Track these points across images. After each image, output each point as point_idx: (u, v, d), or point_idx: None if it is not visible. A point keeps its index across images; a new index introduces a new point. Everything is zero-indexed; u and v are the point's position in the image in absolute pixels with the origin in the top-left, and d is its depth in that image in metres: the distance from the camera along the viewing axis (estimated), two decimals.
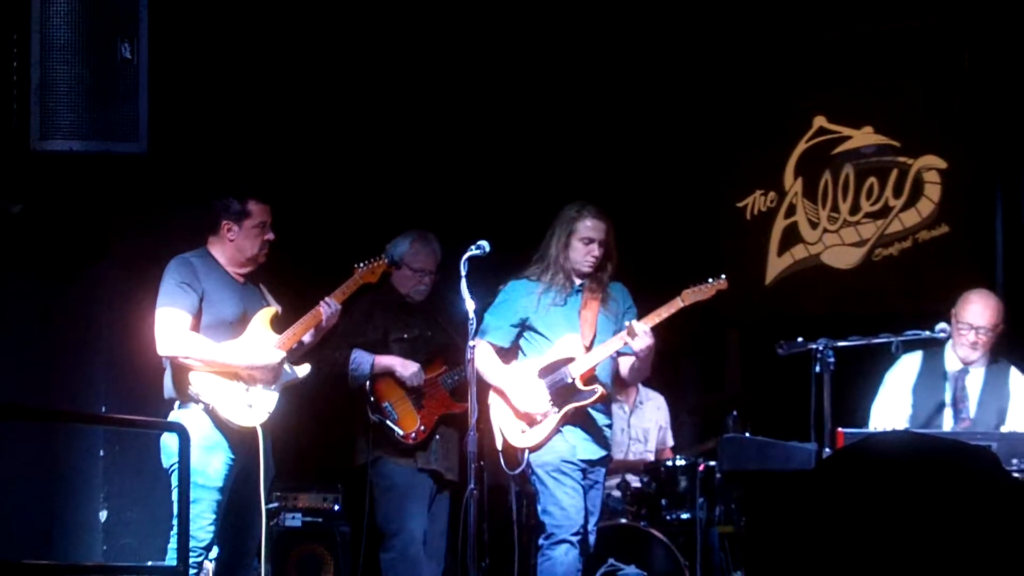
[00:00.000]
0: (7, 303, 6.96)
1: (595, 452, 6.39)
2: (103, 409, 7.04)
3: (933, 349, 6.75)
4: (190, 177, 7.09)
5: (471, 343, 6.03)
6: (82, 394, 7.06)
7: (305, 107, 8.01)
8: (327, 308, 6.25)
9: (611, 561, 7.18)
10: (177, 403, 6.01)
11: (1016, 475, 5.84)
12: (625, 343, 6.28)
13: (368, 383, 6.97)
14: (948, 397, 6.68)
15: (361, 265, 6.46)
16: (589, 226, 6.40)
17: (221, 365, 5.97)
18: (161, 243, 6.60)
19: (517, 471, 6.31)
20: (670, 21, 8.71)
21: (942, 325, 6.55)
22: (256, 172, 7.20)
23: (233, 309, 6.09)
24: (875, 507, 3.48)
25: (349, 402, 7.10)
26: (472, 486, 5.87)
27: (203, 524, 5.88)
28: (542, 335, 6.40)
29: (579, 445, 6.33)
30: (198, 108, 7.23)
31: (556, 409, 6.30)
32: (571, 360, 6.31)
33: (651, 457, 8.02)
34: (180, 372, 5.97)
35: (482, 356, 6.28)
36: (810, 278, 8.88)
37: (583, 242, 6.39)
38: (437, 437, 7.05)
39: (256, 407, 6.02)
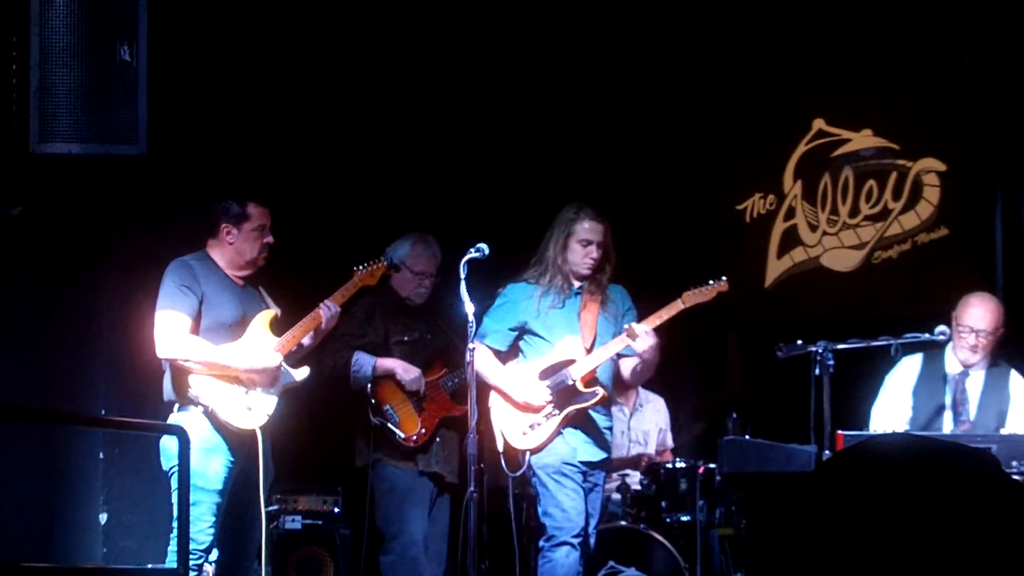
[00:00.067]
0: (7, 305, 6.97)
1: (596, 454, 6.39)
2: (103, 411, 7.04)
3: (933, 352, 6.75)
4: (189, 180, 7.10)
5: (470, 346, 6.03)
6: (82, 396, 7.06)
7: (304, 110, 8.01)
8: (326, 311, 6.25)
9: (611, 563, 7.17)
10: (177, 405, 6.01)
11: (1016, 477, 5.84)
12: (627, 345, 6.28)
13: (369, 386, 6.97)
14: (948, 400, 6.68)
15: (360, 268, 6.47)
16: (587, 228, 6.40)
17: (220, 368, 5.97)
18: (161, 246, 6.60)
19: (518, 473, 6.32)
20: (670, 22, 8.71)
21: (941, 328, 6.55)
22: (255, 175, 7.20)
23: (232, 312, 6.09)
24: (875, 509, 3.48)
25: (349, 405, 7.10)
26: (472, 488, 5.88)
27: (203, 527, 5.88)
28: (542, 338, 6.40)
29: (580, 447, 6.33)
30: (197, 111, 7.23)
31: (557, 411, 6.30)
32: (572, 362, 6.31)
33: (651, 454, 8.01)
34: (180, 375, 5.97)
35: (481, 359, 6.28)
36: (809, 280, 8.88)
37: (581, 244, 6.40)
38: (437, 440, 7.05)
39: (255, 410, 6.02)
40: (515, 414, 6.38)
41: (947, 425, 6.65)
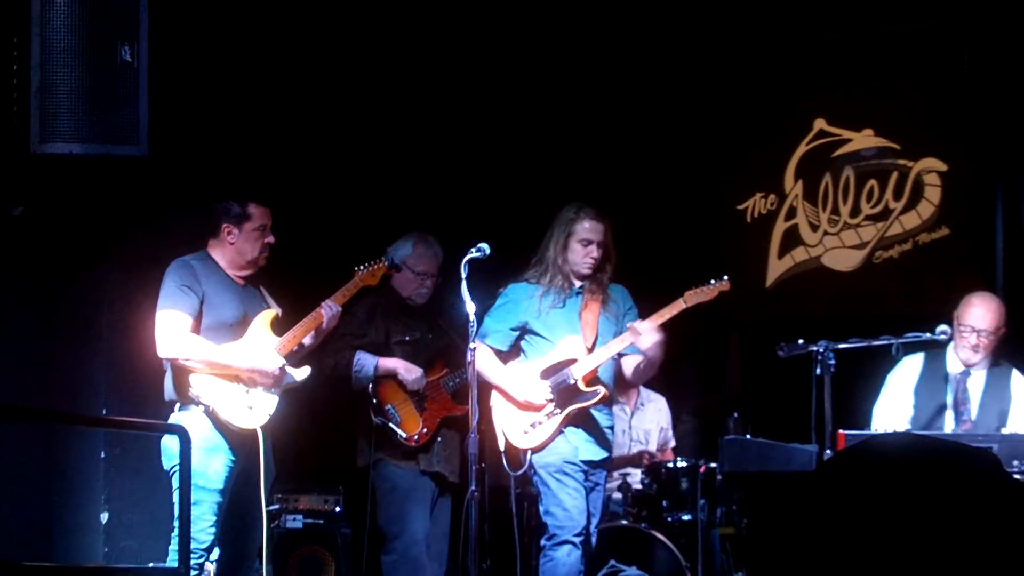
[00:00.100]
0: (8, 305, 6.97)
1: (597, 453, 6.40)
2: (104, 411, 7.04)
3: (935, 351, 6.75)
4: (190, 180, 7.10)
5: (471, 345, 6.03)
6: (83, 396, 7.06)
7: (305, 110, 8.01)
8: (327, 310, 6.26)
9: (612, 562, 7.17)
10: (178, 405, 6.02)
11: (1017, 477, 5.84)
12: (631, 343, 6.28)
13: (371, 386, 6.97)
14: (949, 399, 6.69)
15: (361, 268, 6.47)
16: (587, 227, 6.40)
17: (221, 367, 5.97)
18: (161, 246, 6.60)
19: (519, 472, 6.32)
20: (671, 23, 8.71)
21: (942, 327, 6.55)
22: (256, 175, 7.20)
23: (233, 311, 6.09)
24: (876, 509, 3.47)
25: (349, 404, 7.10)
26: (473, 488, 5.87)
27: (204, 526, 5.88)
28: (543, 337, 6.40)
29: (581, 446, 6.34)
30: (198, 111, 7.23)
31: (558, 410, 6.30)
32: (573, 361, 6.31)
33: (652, 451, 8.01)
34: (181, 374, 5.97)
35: (482, 359, 6.28)
36: (810, 280, 8.88)
37: (581, 243, 6.40)
38: (439, 440, 7.05)
39: (256, 409, 6.02)
40: (516, 413, 6.38)
41: (948, 424, 6.65)
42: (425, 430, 6.98)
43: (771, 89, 8.97)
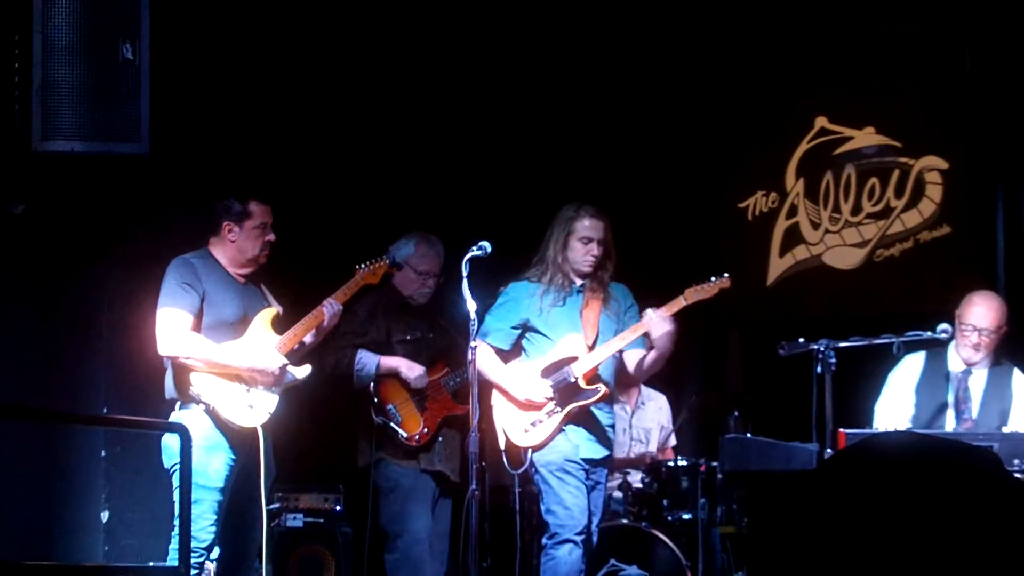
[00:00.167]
0: (9, 303, 6.97)
1: (598, 452, 6.39)
2: (104, 410, 7.04)
3: (936, 350, 6.75)
4: (191, 178, 7.10)
5: (472, 344, 6.03)
6: (83, 394, 7.06)
7: (306, 108, 8.01)
8: (328, 309, 6.25)
9: (612, 561, 7.17)
10: (178, 403, 6.01)
11: (1018, 475, 5.84)
12: (634, 340, 6.28)
13: (372, 385, 6.96)
14: (951, 398, 6.69)
15: (362, 266, 6.47)
16: (587, 225, 6.40)
17: (222, 366, 5.97)
18: (162, 244, 6.60)
19: (520, 470, 6.32)
20: (671, 22, 8.71)
21: (943, 326, 6.55)
22: (257, 173, 7.20)
23: (234, 310, 6.09)
24: (877, 507, 3.47)
25: (350, 403, 7.10)
26: (474, 487, 5.87)
27: (204, 525, 5.88)
28: (544, 335, 6.40)
29: (582, 445, 6.34)
30: (200, 109, 7.23)
31: (559, 408, 6.30)
32: (574, 359, 6.31)
33: (653, 453, 8.01)
34: (181, 372, 5.97)
35: (483, 357, 6.28)
36: (811, 279, 8.88)
37: (582, 242, 6.40)
38: (440, 439, 7.05)
39: (257, 408, 6.02)
40: (517, 412, 6.38)
41: (949, 423, 6.65)
42: (426, 429, 6.98)
43: (772, 87, 8.97)
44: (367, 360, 6.98)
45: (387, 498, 7.00)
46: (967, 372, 6.70)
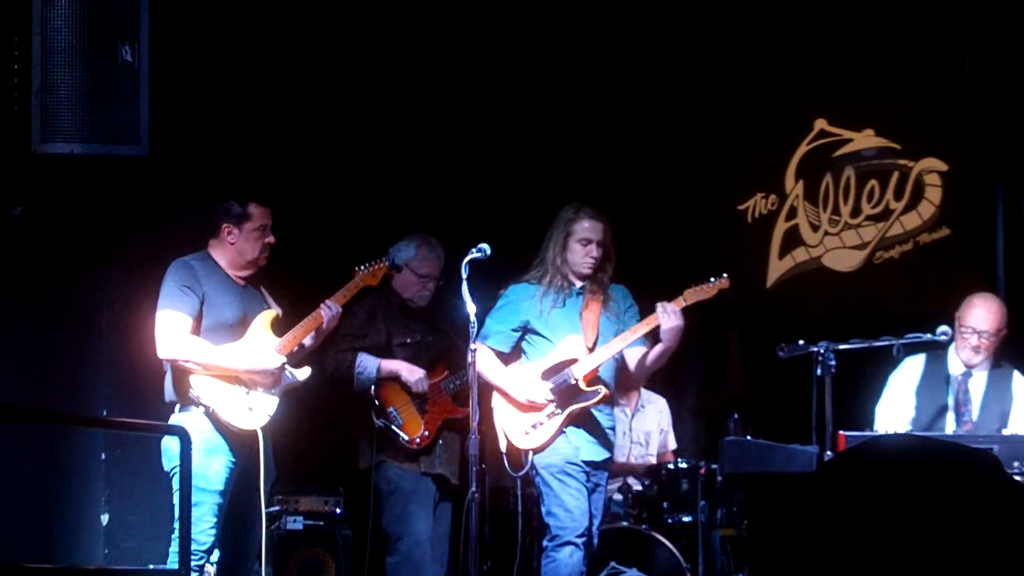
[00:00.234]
0: (8, 305, 6.97)
1: (599, 454, 6.39)
2: (104, 412, 7.04)
3: (936, 352, 6.75)
4: (191, 180, 7.09)
5: (472, 347, 6.02)
6: (83, 396, 7.06)
7: (306, 110, 8.01)
8: (328, 311, 6.25)
9: (613, 564, 7.17)
10: (178, 406, 6.01)
11: (1018, 478, 5.84)
12: (634, 341, 6.28)
13: (373, 388, 6.96)
14: (951, 400, 6.69)
15: (362, 268, 6.46)
16: (586, 227, 6.40)
17: (221, 368, 5.97)
18: (162, 246, 6.60)
19: (521, 473, 6.32)
20: (671, 23, 8.71)
21: (943, 328, 6.55)
22: (257, 175, 7.20)
23: (233, 312, 6.09)
24: (877, 510, 3.47)
25: (350, 405, 7.10)
26: (474, 489, 5.87)
27: (204, 527, 5.88)
28: (544, 337, 6.40)
29: (583, 447, 6.33)
30: (199, 111, 7.22)
31: (559, 410, 6.30)
32: (574, 361, 6.31)
33: (652, 460, 8.01)
34: (181, 375, 5.97)
35: (483, 360, 6.28)
36: (811, 281, 8.88)
37: (581, 243, 6.40)
38: (440, 442, 7.05)
39: (257, 410, 6.02)
40: (517, 414, 6.38)
41: (950, 426, 6.65)
42: (427, 432, 6.97)
43: (772, 89, 8.98)
44: (367, 363, 6.98)
45: (388, 500, 6.99)
46: (967, 374, 6.70)
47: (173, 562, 5.72)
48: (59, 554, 6.92)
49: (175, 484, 5.81)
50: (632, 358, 6.46)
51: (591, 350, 6.35)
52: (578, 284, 6.45)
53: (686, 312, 6.30)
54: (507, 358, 6.49)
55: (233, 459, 5.99)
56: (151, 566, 6.57)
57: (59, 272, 7.08)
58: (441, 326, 7.15)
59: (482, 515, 5.99)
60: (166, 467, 5.98)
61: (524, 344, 6.48)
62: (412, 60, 8.33)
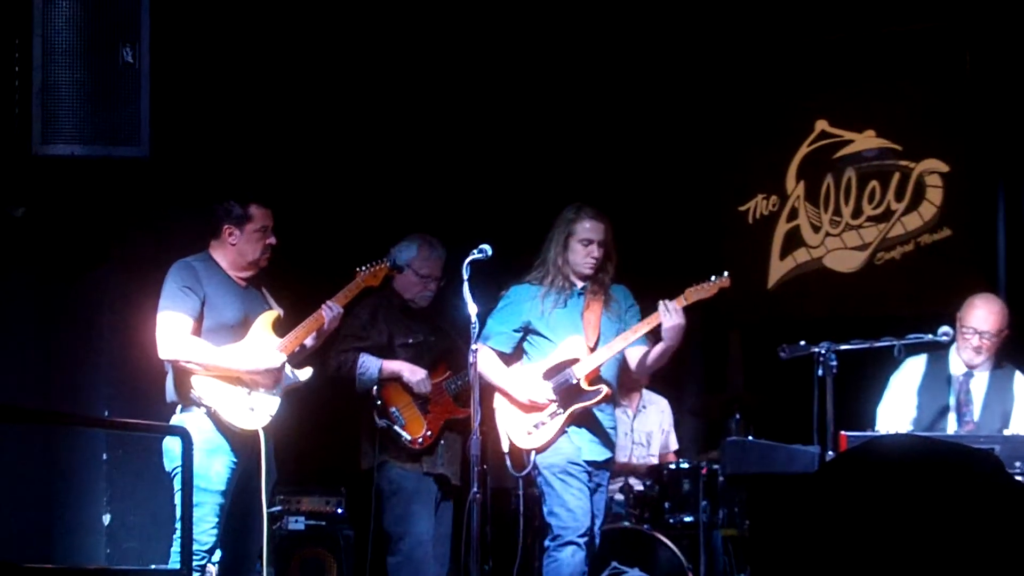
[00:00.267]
0: (9, 306, 6.97)
1: (600, 454, 6.39)
2: (106, 413, 7.04)
3: (938, 352, 6.75)
4: (192, 181, 7.10)
5: (473, 347, 6.02)
6: (85, 397, 7.06)
7: (307, 111, 8.02)
8: (329, 311, 6.25)
9: (614, 564, 7.17)
10: (179, 406, 6.02)
11: (1019, 478, 5.84)
12: (635, 339, 6.28)
13: (375, 388, 6.96)
14: (952, 401, 6.69)
15: (363, 268, 6.47)
16: (587, 227, 6.40)
17: (222, 369, 5.97)
18: (162, 247, 6.61)
19: (524, 473, 6.32)
20: (672, 25, 8.71)
21: (944, 328, 6.55)
22: (258, 176, 7.20)
23: (235, 313, 6.09)
24: (878, 510, 3.48)
25: (351, 406, 7.10)
26: (475, 489, 5.87)
27: (206, 527, 5.88)
28: (546, 338, 6.40)
29: (585, 446, 6.34)
30: (200, 112, 7.23)
31: (561, 410, 6.30)
32: (575, 361, 6.31)
33: (654, 460, 8.01)
34: (182, 376, 5.97)
35: (485, 360, 6.28)
36: (812, 281, 8.88)
37: (582, 243, 6.40)
38: (442, 442, 7.05)
39: (258, 410, 6.02)
40: (519, 414, 6.38)
41: (951, 426, 6.65)
42: (429, 432, 6.97)
43: (773, 90, 8.98)
44: (369, 364, 6.98)
45: (390, 501, 6.99)
46: (968, 375, 6.71)
47: (175, 562, 5.72)
48: (60, 554, 6.92)
49: (176, 484, 5.81)
50: (633, 357, 6.47)
51: (592, 350, 6.35)
52: (579, 284, 6.45)
53: (687, 311, 6.30)
54: (509, 359, 6.49)
55: (235, 459, 5.99)
56: (153, 566, 6.57)
57: (60, 273, 7.08)
58: (443, 326, 7.15)
59: (484, 515, 6.00)
60: (167, 467, 5.98)
61: (526, 345, 6.48)
62: (413, 61, 8.34)
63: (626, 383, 7.22)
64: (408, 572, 6.93)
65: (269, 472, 6.03)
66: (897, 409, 6.73)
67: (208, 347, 5.96)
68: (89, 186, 6.90)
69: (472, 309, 5.98)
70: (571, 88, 8.72)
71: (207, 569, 5.91)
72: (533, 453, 6.30)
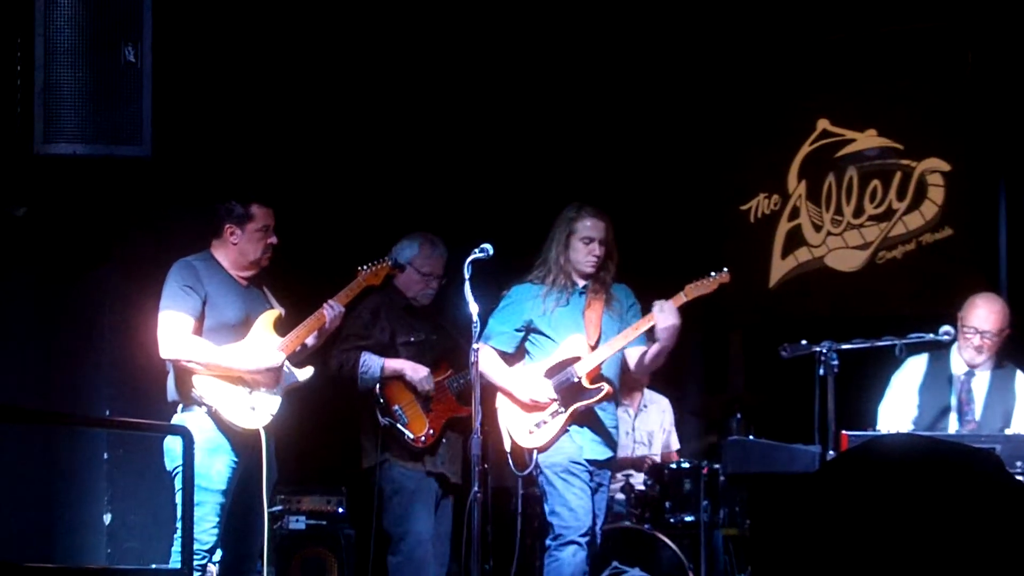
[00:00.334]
0: (10, 305, 6.97)
1: (602, 453, 6.39)
2: (107, 412, 7.04)
3: (939, 352, 6.76)
4: (193, 181, 7.10)
5: (474, 346, 6.03)
6: (86, 397, 7.06)
7: (308, 110, 8.01)
8: (330, 311, 6.25)
9: (615, 563, 7.17)
10: (180, 406, 6.02)
11: (1020, 478, 5.83)
12: (635, 338, 6.28)
13: (378, 386, 6.96)
14: (953, 400, 6.69)
15: (365, 267, 6.47)
16: (588, 225, 6.41)
17: (223, 368, 5.97)
18: (164, 246, 6.61)
19: (525, 472, 6.32)
20: (673, 24, 8.71)
21: (945, 328, 6.55)
22: (259, 175, 7.20)
23: (236, 312, 6.09)
24: (879, 509, 3.48)
25: (352, 405, 7.10)
26: (476, 489, 5.87)
27: (207, 527, 5.88)
28: (547, 337, 6.41)
29: (586, 446, 6.34)
30: (201, 111, 7.23)
31: (563, 408, 6.31)
32: (577, 359, 6.31)
33: (656, 458, 8.01)
34: (183, 375, 5.97)
35: (486, 360, 6.28)
36: (814, 281, 8.88)
37: (583, 242, 6.40)
38: (444, 441, 7.05)
39: (259, 410, 6.02)
40: (521, 413, 6.38)
41: (952, 425, 6.65)
42: (431, 431, 6.97)
43: (774, 89, 8.98)
44: (371, 363, 6.98)
45: (391, 500, 6.99)
46: (970, 374, 6.71)
47: (175, 562, 5.72)
48: (61, 554, 6.92)
49: (177, 484, 5.81)
50: (632, 357, 6.47)
51: (594, 349, 6.35)
52: (581, 283, 6.45)
53: (687, 310, 6.30)
54: (511, 358, 6.50)
55: (235, 459, 5.99)
56: (153, 566, 6.57)
57: (61, 272, 7.08)
58: (444, 325, 7.15)
59: (484, 515, 5.99)
60: (168, 467, 5.99)
61: (528, 344, 6.49)
62: (414, 60, 8.34)
63: (628, 382, 7.22)
64: (409, 572, 6.93)
65: (270, 471, 6.03)
66: (898, 408, 6.73)
67: (209, 346, 5.96)
68: (91, 185, 6.91)
69: (473, 308, 5.98)
70: (572, 88, 8.73)
71: (208, 569, 5.92)
72: (535, 452, 6.30)
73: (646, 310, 6.37)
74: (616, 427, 6.53)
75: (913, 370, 6.80)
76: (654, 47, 8.80)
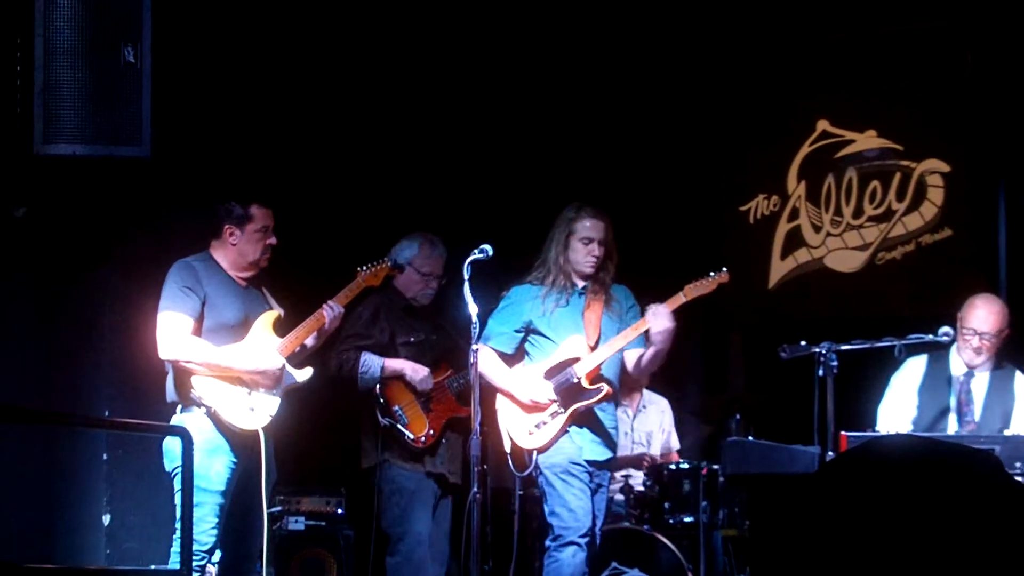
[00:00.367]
0: (10, 306, 6.97)
1: (602, 454, 6.39)
2: (106, 413, 7.04)
3: (938, 352, 6.76)
4: (193, 181, 7.10)
5: (474, 347, 6.02)
6: (85, 397, 7.06)
7: (308, 111, 8.01)
8: (330, 311, 6.25)
9: (614, 564, 7.17)
10: (179, 407, 6.02)
11: (1019, 479, 5.83)
12: (635, 338, 6.28)
13: (378, 387, 6.96)
14: (953, 401, 6.69)
15: (364, 268, 6.47)
16: (588, 226, 6.41)
17: (223, 369, 5.97)
18: (163, 247, 6.61)
19: (525, 473, 6.32)
20: (673, 24, 8.71)
21: (945, 329, 6.55)
22: (258, 176, 7.20)
23: (235, 313, 6.09)
24: (879, 510, 3.48)
25: (351, 405, 7.10)
26: (475, 489, 5.87)
27: (206, 528, 5.88)
28: (547, 338, 6.41)
29: (586, 446, 6.34)
30: (201, 112, 7.23)
31: (563, 409, 6.31)
32: (576, 360, 6.31)
33: (655, 456, 8.01)
34: (182, 376, 5.97)
35: (486, 360, 6.28)
36: (813, 282, 8.88)
37: (583, 242, 6.40)
38: (444, 441, 7.05)
39: (258, 410, 6.02)
40: (521, 414, 6.38)
41: (951, 426, 6.65)
42: (431, 431, 6.98)
43: (774, 90, 8.97)
44: (371, 363, 6.98)
45: (390, 501, 6.99)
46: (969, 375, 6.71)
47: (175, 562, 5.72)
48: (60, 554, 6.92)
49: (177, 484, 5.81)
50: (630, 359, 6.47)
51: (593, 349, 6.35)
52: (580, 284, 6.45)
53: (686, 310, 6.31)
54: (510, 359, 6.50)
55: (235, 459, 5.99)
56: (153, 566, 6.57)
57: (61, 273, 7.08)
58: (444, 325, 7.15)
59: (484, 515, 5.99)
60: (168, 467, 5.99)
61: (527, 345, 6.49)
62: (414, 61, 8.34)
63: (627, 383, 7.22)
64: (407, 572, 6.93)
65: (269, 472, 6.03)
66: (898, 409, 6.73)
67: (208, 347, 5.96)
68: (90, 186, 6.91)
69: (473, 309, 5.98)
70: (571, 88, 8.72)
71: (207, 569, 5.92)
72: (535, 453, 6.30)
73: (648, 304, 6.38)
74: (616, 428, 6.53)
75: (912, 371, 6.80)
76: (654, 48, 8.80)
